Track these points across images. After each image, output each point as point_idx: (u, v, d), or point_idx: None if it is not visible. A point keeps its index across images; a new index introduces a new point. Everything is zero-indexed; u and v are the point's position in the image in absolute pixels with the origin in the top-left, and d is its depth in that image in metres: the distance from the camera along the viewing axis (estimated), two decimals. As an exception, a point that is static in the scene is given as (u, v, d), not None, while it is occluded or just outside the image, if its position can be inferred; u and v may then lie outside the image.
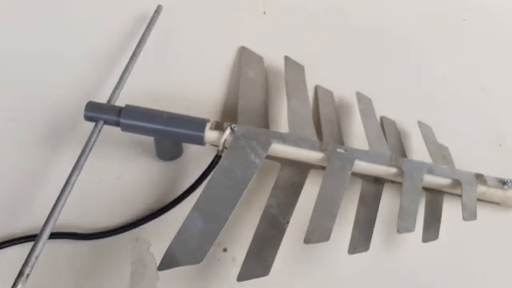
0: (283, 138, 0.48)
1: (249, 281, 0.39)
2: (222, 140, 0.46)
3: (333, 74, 0.62)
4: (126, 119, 0.46)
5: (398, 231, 0.44)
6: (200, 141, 0.47)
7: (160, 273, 0.44)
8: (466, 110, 0.61)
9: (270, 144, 0.47)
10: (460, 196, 0.48)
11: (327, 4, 0.69)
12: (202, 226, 0.39)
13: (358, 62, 0.64)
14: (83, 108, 0.47)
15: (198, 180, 0.48)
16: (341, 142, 0.53)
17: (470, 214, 0.46)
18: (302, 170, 0.49)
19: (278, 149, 0.48)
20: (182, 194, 0.48)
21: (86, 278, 0.44)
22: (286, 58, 0.60)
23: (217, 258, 0.46)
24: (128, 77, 0.52)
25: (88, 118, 0.47)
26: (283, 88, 0.57)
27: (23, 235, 0.44)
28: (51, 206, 0.39)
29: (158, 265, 0.37)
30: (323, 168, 0.48)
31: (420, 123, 0.56)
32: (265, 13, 0.67)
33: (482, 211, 0.49)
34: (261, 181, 0.50)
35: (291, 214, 0.45)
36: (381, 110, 0.58)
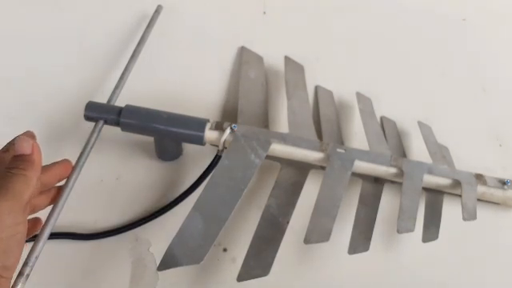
0: (283, 138, 0.48)
1: (249, 281, 0.39)
2: (222, 140, 0.46)
3: (333, 74, 0.62)
4: (126, 119, 0.46)
5: (398, 231, 0.44)
6: (200, 141, 0.47)
7: (160, 273, 0.44)
8: (466, 110, 0.61)
9: (269, 144, 0.47)
10: (460, 196, 0.48)
11: (327, 4, 0.69)
12: (202, 226, 0.39)
13: (358, 62, 0.64)
14: (83, 108, 0.47)
15: (198, 180, 0.48)
16: (341, 142, 0.53)
17: (469, 214, 0.46)
18: (302, 170, 0.49)
19: (278, 149, 0.48)
20: (181, 194, 0.48)
21: (86, 278, 0.44)
22: (286, 58, 0.60)
23: (217, 258, 0.46)
24: (128, 77, 0.52)
25: (88, 118, 0.47)
26: (283, 88, 0.57)
27: (23, 235, 0.44)
28: (51, 206, 0.39)
29: (157, 265, 0.37)
30: (323, 168, 0.48)
31: (420, 123, 0.56)
32: (265, 13, 0.67)
33: (482, 211, 0.49)
34: (261, 181, 0.50)
35: (291, 214, 0.45)
36: (381, 110, 0.58)
